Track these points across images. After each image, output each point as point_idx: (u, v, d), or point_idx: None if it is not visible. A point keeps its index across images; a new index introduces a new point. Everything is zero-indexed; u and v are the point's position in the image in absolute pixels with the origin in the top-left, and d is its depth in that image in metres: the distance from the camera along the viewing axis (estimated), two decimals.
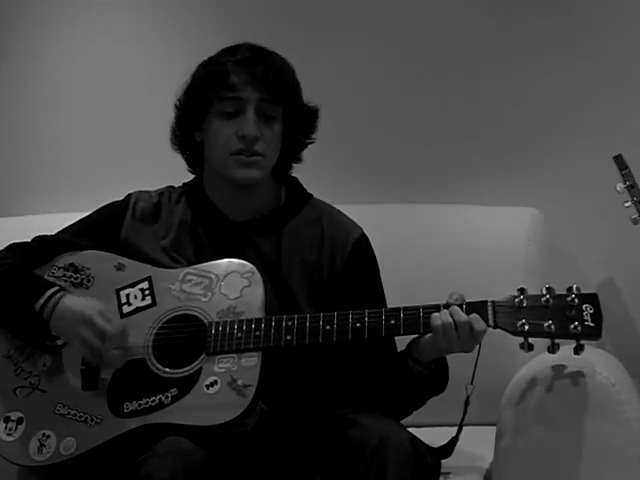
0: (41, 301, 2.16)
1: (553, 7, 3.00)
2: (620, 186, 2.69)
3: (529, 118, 3.03)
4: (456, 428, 2.21)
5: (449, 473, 2.24)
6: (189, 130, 2.30)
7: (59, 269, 2.27)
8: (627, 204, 2.68)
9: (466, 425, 2.22)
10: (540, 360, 2.18)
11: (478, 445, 2.36)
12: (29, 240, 2.33)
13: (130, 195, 2.37)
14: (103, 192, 2.46)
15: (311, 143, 2.34)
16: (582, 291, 2.07)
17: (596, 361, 2.15)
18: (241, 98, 2.21)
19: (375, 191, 3.03)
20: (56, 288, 2.19)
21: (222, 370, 2.09)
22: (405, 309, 2.11)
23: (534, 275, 2.76)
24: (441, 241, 2.83)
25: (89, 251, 2.29)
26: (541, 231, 2.85)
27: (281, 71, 2.25)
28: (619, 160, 2.72)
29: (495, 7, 3.02)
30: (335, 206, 2.37)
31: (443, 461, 2.21)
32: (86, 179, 3.18)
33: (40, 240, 2.33)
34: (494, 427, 2.26)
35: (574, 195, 3.00)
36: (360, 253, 2.29)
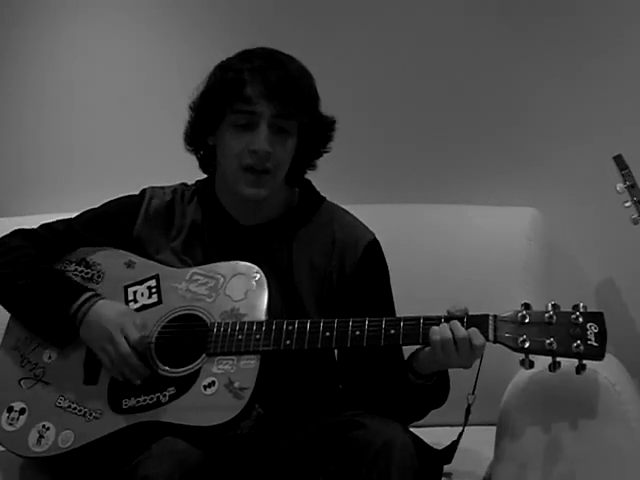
0: (76, 304, 2.17)
1: (553, 8, 3.01)
2: (620, 186, 2.70)
3: (529, 118, 3.04)
4: (456, 429, 2.21)
5: (450, 474, 2.24)
6: (202, 134, 2.27)
7: (71, 263, 2.29)
8: (627, 204, 2.69)
9: (466, 425, 2.20)
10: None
11: (478, 446, 2.36)
12: (36, 227, 2.34)
13: (145, 190, 2.35)
14: (103, 192, 2.45)
15: (326, 152, 2.31)
16: (588, 309, 2.04)
17: (597, 362, 2.15)
18: (255, 112, 2.17)
19: (375, 191, 3.04)
20: (91, 293, 2.20)
21: (220, 371, 2.09)
22: (405, 319, 2.09)
23: (534, 275, 2.77)
24: (441, 241, 2.84)
25: (101, 247, 2.29)
26: (541, 231, 2.86)
27: (298, 84, 2.20)
28: (619, 160, 2.72)
29: (495, 8, 3.03)
30: (342, 207, 2.37)
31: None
32: (86, 179, 3.18)
33: (50, 229, 2.33)
34: (494, 428, 2.27)
35: (574, 195, 3.01)
36: (370, 258, 2.27)
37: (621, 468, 2.12)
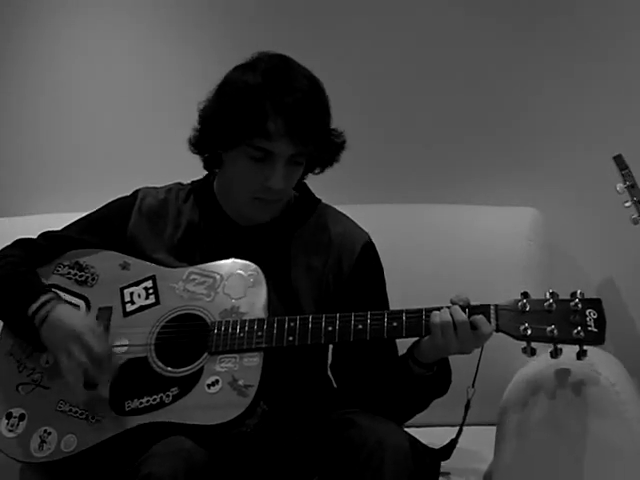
0: (34, 306, 2.15)
1: (553, 8, 3.01)
2: (620, 186, 2.70)
3: (529, 118, 3.04)
4: (456, 429, 2.21)
5: (449, 473, 2.24)
6: (212, 146, 2.22)
7: (64, 267, 2.27)
8: (627, 204, 2.69)
9: (466, 425, 2.21)
10: (540, 360, 2.17)
11: (478, 445, 2.36)
12: (35, 237, 2.32)
13: (138, 191, 2.35)
14: (103, 192, 2.45)
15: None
16: (586, 296, 2.05)
17: (596, 361, 2.15)
18: (273, 152, 2.12)
19: (375, 191, 3.04)
20: (50, 295, 2.17)
21: (224, 370, 2.08)
22: (407, 312, 2.09)
23: (534, 275, 2.77)
24: (441, 241, 2.84)
25: (95, 249, 2.28)
26: (541, 231, 2.86)
27: (318, 115, 2.15)
28: (619, 160, 2.72)
29: (495, 8, 3.03)
30: (335, 207, 2.36)
31: (443, 461, 2.21)
32: (86, 179, 3.18)
33: (46, 237, 2.32)
34: (494, 427, 2.27)
35: (574, 195, 3.01)
36: (366, 259, 2.28)
37: (621, 468, 2.12)
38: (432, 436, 2.26)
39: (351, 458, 2.01)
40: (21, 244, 2.30)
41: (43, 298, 2.16)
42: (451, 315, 2.06)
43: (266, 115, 2.10)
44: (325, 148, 2.22)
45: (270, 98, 2.11)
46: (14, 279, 2.21)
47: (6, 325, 2.24)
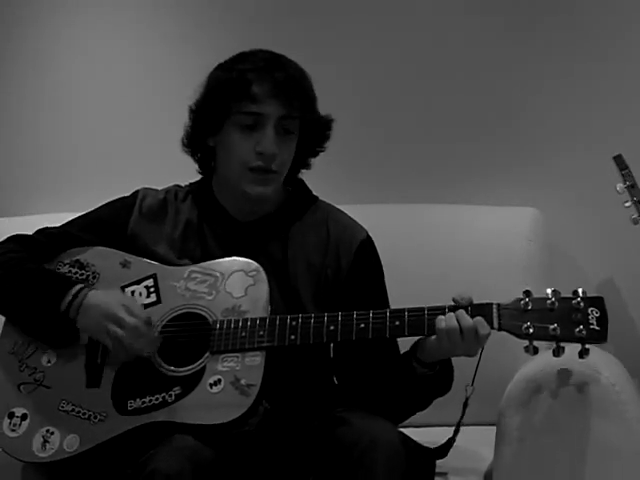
0: (67, 299, 2.14)
1: (552, 8, 3.01)
2: (620, 186, 2.70)
3: (529, 118, 3.04)
4: (453, 428, 2.21)
5: (446, 473, 2.24)
6: (203, 135, 2.27)
7: (64, 265, 2.26)
8: (627, 204, 2.69)
9: (465, 425, 2.21)
10: (540, 360, 2.18)
11: (477, 445, 2.36)
12: (32, 233, 2.31)
13: (137, 191, 2.36)
14: (103, 192, 2.45)
15: (322, 151, 2.33)
16: (587, 294, 2.05)
17: (597, 361, 2.15)
18: (262, 114, 2.18)
19: (375, 191, 3.04)
20: (80, 286, 2.16)
21: (226, 369, 2.08)
22: (410, 310, 2.10)
23: (534, 275, 2.77)
24: (441, 241, 2.84)
25: (95, 247, 2.28)
26: (541, 231, 2.86)
27: (302, 83, 2.22)
28: (619, 160, 2.72)
29: (495, 8, 3.03)
30: (335, 206, 2.37)
31: (441, 461, 2.21)
32: (86, 179, 3.18)
33: (44, 233, 2.31)
34: (493, 427, 2.26)
35: (574, 195, 3.01)
36: (365, 255, 2.29)
37: (621, 467, 2.12)
38: (431, 435, 2.26)
39: (344, 457, 2.01)
40: (18, 240, 2.29)
41: (74, 290, 2.15)
42: (457, 320, 2.06)
43: (250, 81, 2.17)
44: (312, 117, 2.24)
45: (253, 68, 2.19)
46: (32, 276, 2.20)
47: (17, 323, 2.22)
